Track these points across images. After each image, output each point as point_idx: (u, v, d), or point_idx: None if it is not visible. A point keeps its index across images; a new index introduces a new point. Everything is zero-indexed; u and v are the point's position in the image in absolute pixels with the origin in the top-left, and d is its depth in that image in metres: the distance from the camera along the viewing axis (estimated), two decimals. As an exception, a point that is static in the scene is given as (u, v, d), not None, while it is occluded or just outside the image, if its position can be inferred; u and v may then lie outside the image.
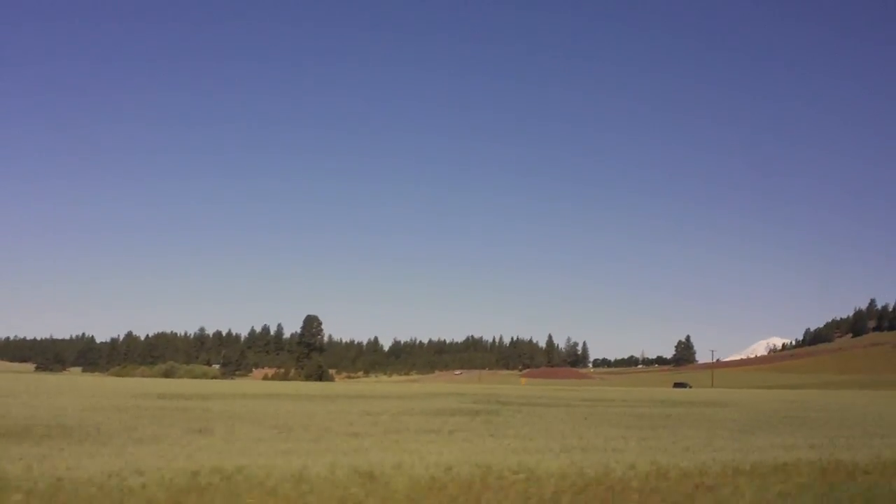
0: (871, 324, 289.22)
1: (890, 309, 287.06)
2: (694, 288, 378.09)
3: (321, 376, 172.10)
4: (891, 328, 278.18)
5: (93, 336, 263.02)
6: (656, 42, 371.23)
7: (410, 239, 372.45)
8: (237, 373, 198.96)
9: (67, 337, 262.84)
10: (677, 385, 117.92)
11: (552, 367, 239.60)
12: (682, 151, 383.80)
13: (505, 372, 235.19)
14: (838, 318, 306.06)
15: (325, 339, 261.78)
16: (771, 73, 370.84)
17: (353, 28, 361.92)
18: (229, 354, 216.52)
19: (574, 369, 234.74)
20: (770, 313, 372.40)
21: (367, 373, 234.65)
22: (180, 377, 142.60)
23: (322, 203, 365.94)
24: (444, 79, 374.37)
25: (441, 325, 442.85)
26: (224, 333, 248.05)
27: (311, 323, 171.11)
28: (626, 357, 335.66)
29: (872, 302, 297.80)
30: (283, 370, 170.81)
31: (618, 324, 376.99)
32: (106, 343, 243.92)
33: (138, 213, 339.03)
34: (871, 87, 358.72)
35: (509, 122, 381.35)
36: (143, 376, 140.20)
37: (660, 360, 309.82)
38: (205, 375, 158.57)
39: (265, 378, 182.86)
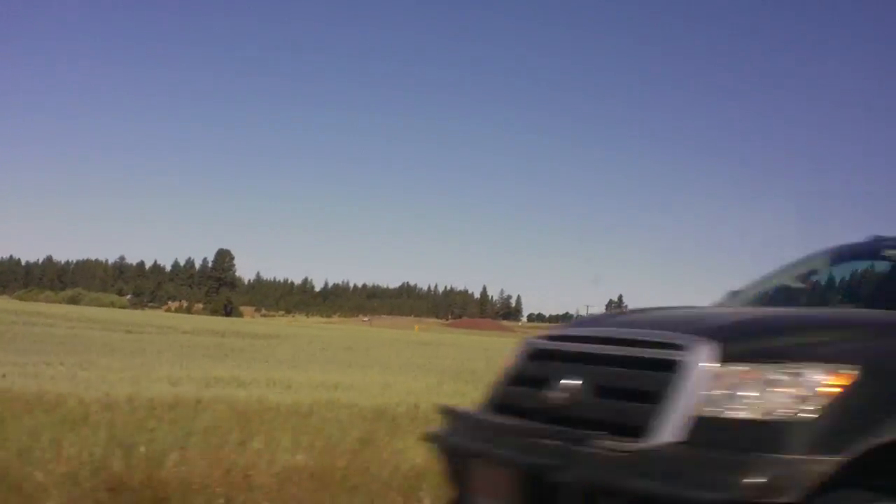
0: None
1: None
2: (633, 244, 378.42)
3: (230, 312, 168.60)
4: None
5: (19, 258, 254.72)
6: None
7: (362, 180, 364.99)
8: (150, 304, 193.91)
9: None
10: None
11: (474, 318, 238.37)
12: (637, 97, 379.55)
13: (431, 320, 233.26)
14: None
15: (252, 275, 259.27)
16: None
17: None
18: (142, 285, 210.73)
19: (495, 321, 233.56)
20: (711, 273, 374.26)
21: (288, 312, 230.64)
22: (86, 304, 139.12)
23: (277, 135, 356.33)
24: None
25: (377, 271, 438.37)
26: (149, 264, 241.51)
27: (223, 257, 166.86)
28: (562, 313, 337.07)
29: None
30: (186, 304, 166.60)
31: (557, 280, 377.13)
32: (25, 265, 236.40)
33: (79, 129, 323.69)
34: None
35: (474, 51, 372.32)
36: (48, 301, 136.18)
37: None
38: (112, 305, 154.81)
39: (167, 310, 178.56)
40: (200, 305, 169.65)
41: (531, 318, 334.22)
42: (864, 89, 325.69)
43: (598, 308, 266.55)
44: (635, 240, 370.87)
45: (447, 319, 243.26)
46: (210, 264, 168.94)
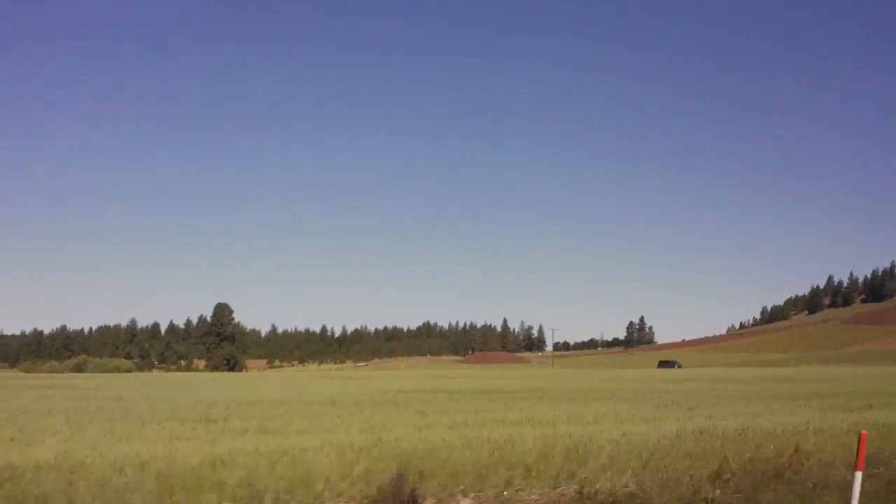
0: (827, 301, 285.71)
1: (845, 285, 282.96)
2: (654, 270, 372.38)
3: (233, 366, 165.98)
4: (845, 304, 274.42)
5: (34, 328, 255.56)
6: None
7: (378, 226, 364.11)
8: (159, 365, 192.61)
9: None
10: (663, 364, 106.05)
11: (490, 352, 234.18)
12: (644, 133, 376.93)
13: (446, 358, 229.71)
14: (796, 296, 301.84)
15: (268, 327, 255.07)
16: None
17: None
18: (152, 347, 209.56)
19: (511, 353, 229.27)
20: (732, 292, 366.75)
21: (301, 362, 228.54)
22: (91, 371, 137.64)
23: (288, 186, 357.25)
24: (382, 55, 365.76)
25: (397, 313, 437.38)
26: (164, 326, 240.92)
27: (222, 311, 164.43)
28: (587, 340, 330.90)
29: (830, 279, 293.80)
30: (185, 362, 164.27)
31: (579, 307, 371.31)
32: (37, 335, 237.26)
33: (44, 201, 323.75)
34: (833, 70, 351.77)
35: (471, 100, 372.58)
36: (51, 371, 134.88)
37: (616, 342, 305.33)
38: (117, 369, 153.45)
39: (177, 370, 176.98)
40: (203, 362, 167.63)
41: (557, 346, 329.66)
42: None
43: (620, 332, 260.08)
44: (656, 262, 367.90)
45: (464, 356, 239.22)
46: (209, 319, 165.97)
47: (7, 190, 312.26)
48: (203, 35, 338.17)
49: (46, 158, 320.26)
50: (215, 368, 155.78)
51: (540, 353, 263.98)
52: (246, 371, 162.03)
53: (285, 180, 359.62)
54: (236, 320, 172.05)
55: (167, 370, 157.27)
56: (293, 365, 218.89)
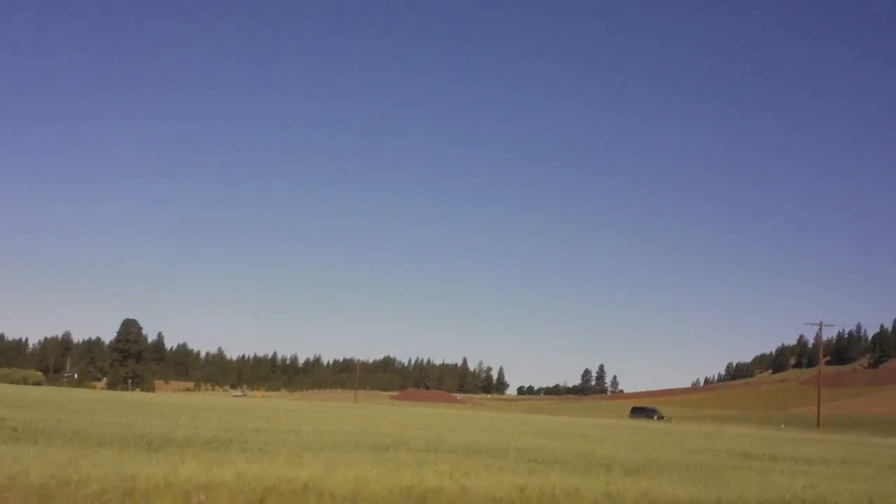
0: (793, 360, 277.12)
1: (809, 346, 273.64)
2: (625, 322, 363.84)
3: (137, 385, 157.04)
4: (809, 365, 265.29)
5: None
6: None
7: (346, 256, 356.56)
8: (66, 379, 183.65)
9: None
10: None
11: (422, 389, 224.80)
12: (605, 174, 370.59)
13: (384, 394, 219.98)
14: (762, 354, 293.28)
15: (214, 350, 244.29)
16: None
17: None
18: (59, 362, 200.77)
19: (446, 393, 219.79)
20: (701, 347, 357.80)
21: (234, 386, 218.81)
22: None
23: (254, 212, 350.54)
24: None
25: (362, 346, 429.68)
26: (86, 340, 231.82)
27: (128, 327, 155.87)
28: (552, 385, 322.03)
29: (801, 338, 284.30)
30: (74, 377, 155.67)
31: (545, 353, 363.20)
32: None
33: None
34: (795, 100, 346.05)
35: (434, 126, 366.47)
36: None
37: (574, 390, 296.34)
38: (24, 381, 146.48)
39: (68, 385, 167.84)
40: (104, 381, 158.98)
41: (521, 391, 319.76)
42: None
43: (575, 379, 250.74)
44: (618, 312, 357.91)
45: (394, 392, 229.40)
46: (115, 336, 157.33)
47: None
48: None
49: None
50: (111, 387, 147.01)
51: (489, 396, 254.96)
52: (151, 392, 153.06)
53: (253, 201, 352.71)
54: (147, 336, 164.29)
55: (61, 385, 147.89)
56: (224, 389, 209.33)
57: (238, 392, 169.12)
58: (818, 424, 78.39)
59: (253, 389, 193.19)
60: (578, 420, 56.39)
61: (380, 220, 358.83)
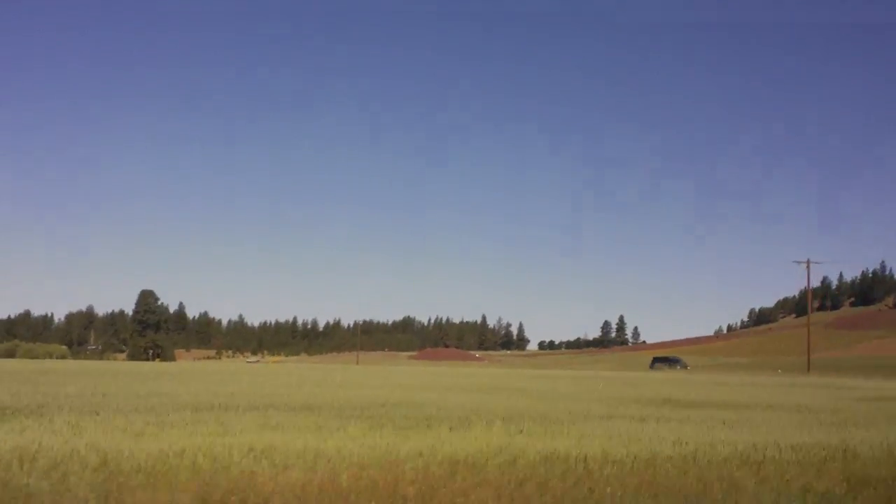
0: (816, 303, 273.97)
1: (833, 287, 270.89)
2: (642, 270, 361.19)
3: (158, 355, 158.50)
4: (833, 307, 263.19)
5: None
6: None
7: (362, 219, 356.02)
8: (90, 351, 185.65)
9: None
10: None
11: (441, 347, 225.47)
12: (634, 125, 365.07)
13: (403, 354, 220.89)
14: (785, 298, 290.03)
15: (235, 317, 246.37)
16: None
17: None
18: (84, 335, 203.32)
19: (463, 351, 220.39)
20: (721, 294, 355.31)
21: (255, 353, 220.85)
22: (21, 356, 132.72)
23: (268, 176, 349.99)
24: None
25: (380, 307, 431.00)
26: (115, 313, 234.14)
27: (145, 298, 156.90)
28: (573, 339, 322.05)
29: (824, 280, 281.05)
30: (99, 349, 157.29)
31: (564, 306, 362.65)
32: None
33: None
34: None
35: (454, 91, 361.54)
36: None
37: (595, 343, 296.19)
38: (49, 355, 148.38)
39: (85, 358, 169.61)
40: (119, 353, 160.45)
41: (542, 346, 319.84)
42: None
43: (595, 332, 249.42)
44: (636, 261, 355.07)
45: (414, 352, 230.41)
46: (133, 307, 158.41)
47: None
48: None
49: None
50: (132, 357, 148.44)
51: (508, 352, 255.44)
52: (172, 362, 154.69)
53: (269, 167, 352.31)
54: (166, 307, 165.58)
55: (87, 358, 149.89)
56: (245, 356, 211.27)
57: (252, 358, 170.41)
58: (808, 369, 77.35)
59: (273, 355, 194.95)
60: (560, 373, 55.32)
61: (397, 181, 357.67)
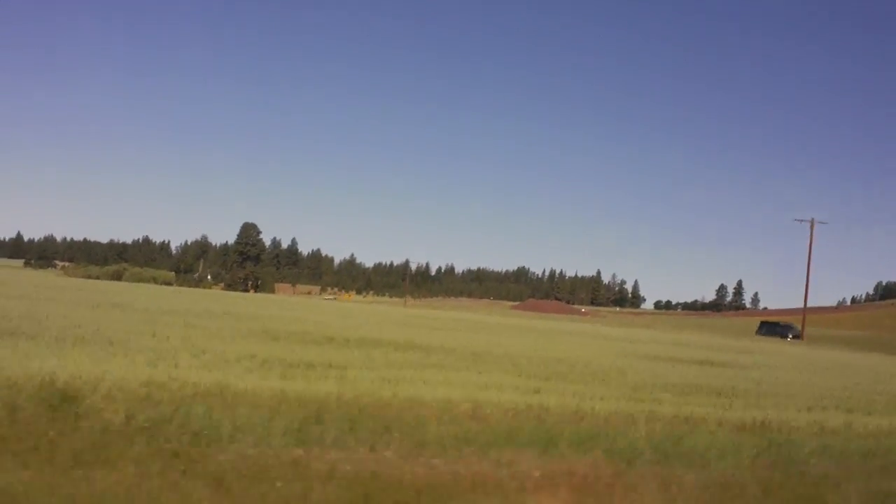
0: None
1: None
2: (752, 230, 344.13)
3: (257, 287, 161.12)
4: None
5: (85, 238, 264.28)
6: None
7: (479, 170, 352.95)
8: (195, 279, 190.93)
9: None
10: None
11: (543, 300, 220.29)
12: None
13: (506, 303, 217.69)
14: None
15: (347, 256, 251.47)
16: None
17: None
18: (195, 264, 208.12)
19: (566, 305, 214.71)
20: (847, 262, 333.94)
21: (359, 292, 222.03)
22: (127, 280, 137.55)
23: (390, 129, 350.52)
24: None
25: (495, 256, 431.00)
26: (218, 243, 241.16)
27: (248, 231, 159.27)
28: (690, 301, 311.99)
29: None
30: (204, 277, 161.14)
31: (673, 267, 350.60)
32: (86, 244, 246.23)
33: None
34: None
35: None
36: (88, 276, 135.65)
37: (710, 306, 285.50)
38: (153, 280, 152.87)
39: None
40: (222, 283, 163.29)
41: (658, 305, 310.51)
42: None
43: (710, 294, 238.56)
44: (761, 229, 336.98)
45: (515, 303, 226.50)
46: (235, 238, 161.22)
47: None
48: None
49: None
50: (228, 288, 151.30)
51: (618, 309, 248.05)
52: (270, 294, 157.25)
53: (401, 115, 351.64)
54: (278, 241, 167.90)
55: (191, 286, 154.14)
56: (345, 294, 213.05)
57: (330, 296, 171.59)
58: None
59: (346, 293, 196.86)
60: (612, 331, 54.45)
61: (516, 129, 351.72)
